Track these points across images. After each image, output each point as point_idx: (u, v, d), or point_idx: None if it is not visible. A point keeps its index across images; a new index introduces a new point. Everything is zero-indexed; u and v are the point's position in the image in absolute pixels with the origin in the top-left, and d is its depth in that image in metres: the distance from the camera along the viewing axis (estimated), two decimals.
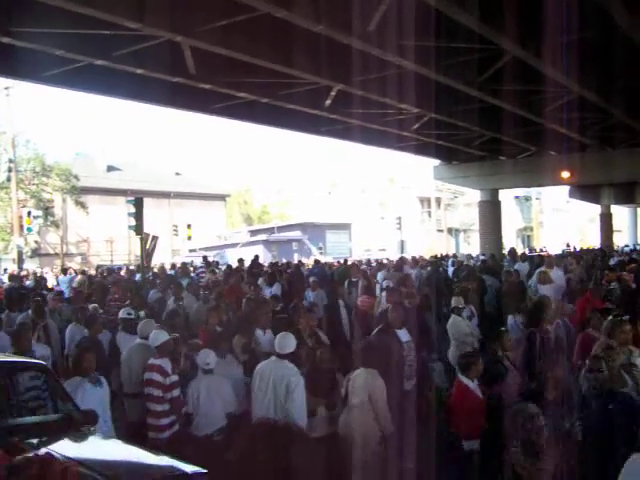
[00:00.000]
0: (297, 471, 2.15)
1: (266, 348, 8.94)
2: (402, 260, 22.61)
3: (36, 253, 47.27)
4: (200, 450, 7.60)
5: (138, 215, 19.56)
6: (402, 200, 66.05)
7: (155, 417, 7.66)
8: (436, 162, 37.85)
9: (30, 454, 2.64)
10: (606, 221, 50.92)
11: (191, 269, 23.19)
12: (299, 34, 14.56)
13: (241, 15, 13.57)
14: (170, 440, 7.52)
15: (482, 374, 7.17)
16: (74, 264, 40.72)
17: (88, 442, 6.37)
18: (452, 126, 25.60)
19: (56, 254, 47.48)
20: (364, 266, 22.72)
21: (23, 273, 26.88)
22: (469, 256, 29.00)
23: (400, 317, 8.96)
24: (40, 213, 43.10)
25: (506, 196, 51.62)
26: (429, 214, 71.04)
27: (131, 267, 30.28)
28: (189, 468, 5.58)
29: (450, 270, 22.11)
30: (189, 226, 44.66)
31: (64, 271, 25.39)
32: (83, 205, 48.56)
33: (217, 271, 21.56)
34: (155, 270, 24.22)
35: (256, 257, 22.76)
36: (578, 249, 38.64)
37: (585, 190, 47.53)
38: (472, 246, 60.30)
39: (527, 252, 33.93)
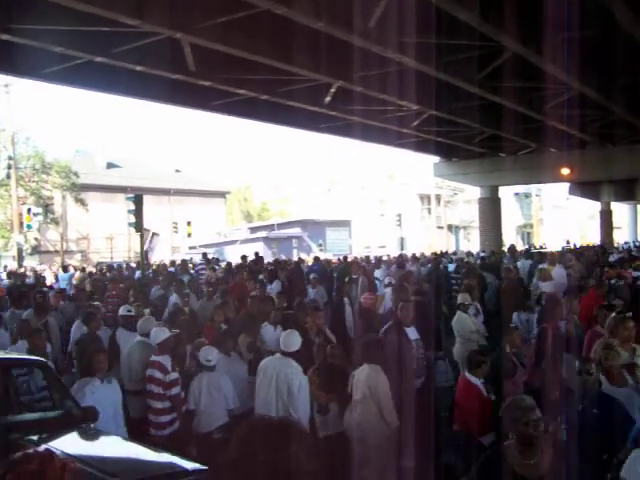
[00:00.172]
0: (296, 469, 2.13)
1: (273, 346, 8.90)
2: (402, 257, 22.62)
3: (36, 250, 47.24)
4: (201, 447, 7.61)
5: (138, 212, 19.56)
6: (402, 197, 65.98)
7: (156, 414, 7.68)
8: (436, 159, 37.83)
9: (29, 450, 2.63)
10: (606, 218, 50.93)
11: (190, 266, 23.17)
12: (299, 31, 14.52)
13: (241, 12, 13.54)
14: (171, 437, 7.53)
15: (489, 372, 7.17)
16: (74, 261, 40.67)
17: (88, 439, 6.38)
18: (452, 123, 25.57)
19: (56, 251, 47.45)
20: (363, 263, 22.69)
21: (21, 270, 26.88)
22: (469, 253, 28.98)
23: (410, 315, 8.95)
24: (40, 210, 43.07)
25: (506, 193, 51.59)
26: (429, 211, 70.99)
27: (132, 264, 30.25)
28: (190, 465, 5.58)
29: (450, 267, 22.10)
30: (189, 223, 44.59)
31: (64, 268, 25.38)
32: (83, 202, 48.54)
33: (217, 268, 21.56)
34: (154, 267, 24.24)
35: (257, 254, 22.76)
36: (578, 246, 38.62)
37: (585, 187, 47.51)
38: (472, 243, 60.31)
39: (529, 249, 33.92)
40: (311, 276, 17.50)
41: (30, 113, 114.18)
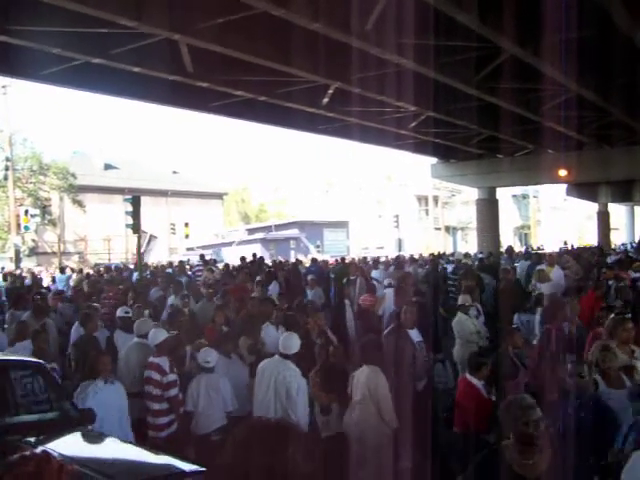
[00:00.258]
0: (293, 471, 2.12)
1: (274, 346, 8.87)
2: (399, 258, 22.60)
3: (33, 252, 47.21)
4: (199, 449, 7.59)
5: (135, 213, 19.54)
6: (399, 198, 66.05)
7: (153, 416, 7.67)
8: (433, 160, 37.84)
9: (26, 452, 2.62)
10: (603, 219, 50.98)
11: (187, 267, 23.15)
12: (297, 32, 14.50)
13: (238, 13, 13.53)
14: (169, 439, 7.52)
15: (491, 373, 7.17)
16: (71, 262, 40.72)
17: (85, 440, 6.36)
18: (450, 124, 25.57)
19: (53, 253, 47.45)
20: (361, 264, 22.67)
21: (18, 272, 26.85)
22: (466, 254, 28.97)
23: (413, 317, 8.94)
24: (37, 212, 43.05)
25: (504, 194, 51.66)
26: (426, 212, 71.03)
27: (130, 266, 30.23)
28: (187, 466, 5.57)
29: (449, 269, 22.09)
30: (187, 224, 44.62)
31: (61, 270, 25.35)
32: (80, 203, 48.56)
33: (214, 269, 21.53)
34: (152, 269, 24.20)
35: (254, 255, 22.74)
36: (575, 247, 38.64)
37: (582, 188, 47.53)
38: (470, 244, 60.30)
39: (526, 250, 33.92)
40: (309, 277, 17.49)
41: (28, 114, 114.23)
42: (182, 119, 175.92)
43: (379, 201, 68.44)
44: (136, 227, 19.70)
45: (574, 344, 8.75)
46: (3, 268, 30.75)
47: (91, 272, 26.00)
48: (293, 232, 57.71)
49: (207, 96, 20.03)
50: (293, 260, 29.00)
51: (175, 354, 8.35)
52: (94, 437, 6.44)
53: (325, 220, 62.62)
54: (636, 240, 51.41)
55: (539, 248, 39.10)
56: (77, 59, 15.97)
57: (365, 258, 29.43)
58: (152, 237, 21.25)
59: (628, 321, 7.80)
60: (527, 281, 16.39)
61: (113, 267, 28.24)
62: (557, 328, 8.95)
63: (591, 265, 19.56)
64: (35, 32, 14.02)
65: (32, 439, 5.78)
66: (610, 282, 13.71)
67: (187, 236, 45.53)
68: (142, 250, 21.78)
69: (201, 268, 22.17)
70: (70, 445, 6.03)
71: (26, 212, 36.69)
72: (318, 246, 56.07)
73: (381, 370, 7.12)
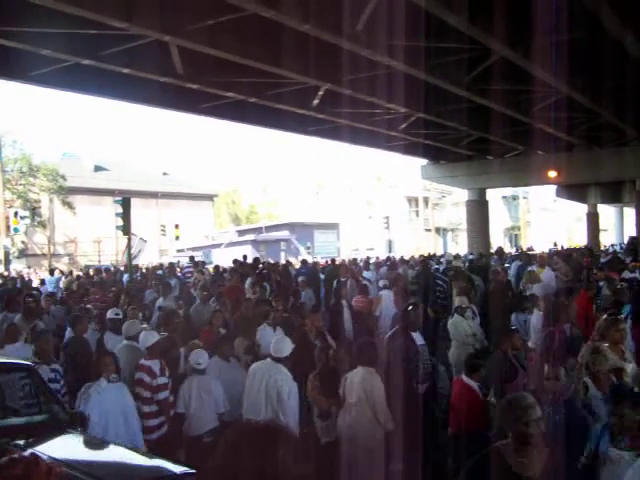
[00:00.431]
0: (284, 474, 2.11)
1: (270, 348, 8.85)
2: (389, 259, 22.60)
3: (23, 254, 47.02)
4: (191, 451, 7.58)
5: (126, 215, 19.50)
6: (390, 199, 66.07)
7: (144, 418, 7.63)
8: (424, 162, 37.93)
9: (15, 455, 2.60)
10: (593, 220, 51.19)
11: (177, 269, 23.09)
12: (287, 34, 14.51)
13: (228, 15, 13.52)
14: (159, 441, 7.50)
15: (489, 374, 7.17)
16: (61, 264, 40.54)
17: (75, 443, 6.33)
18: (440, 126, 25.64)
19: (43, 254, 47.24)
20: (352, 266, 22.66)
21: (6, 274, 26.74)
22: (456, 256, 29.01)
23: (419, 319, 8.90)
24: (27, 213, 42.97)
25: (494, 195, 51.80)
26: (417, 213, 71.04)
27: (120, 267, 30.15)
28: (177, 468, 5.55)
29: (440, 269, 22.09)
30: (177, 226, 44.55)
31: (51, 272, 25.25)
32: (70, 205, 48.39)
33: (204, 271, 21.47)
34: (143, 270, 24.14)
35: (245, 257, 22.69)
36: (565, 248, 38.74)
37: (572, 189, 47.74)
38: (460, 245, 60.45)
39: (516, 251, 33.99)
40: (299, 279, 17.47)
41: (17, 116, 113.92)
42: (172, 120, 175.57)
43: (369, 202, 68.45)
44: (126, 229, 19.66)
45: (575, 346, 8.77)
46: None
47: (80, 274, 25.93)
48: (283, 234, 57.69)
49: (197, 98, 20.00)
50: (283, 262, 28.95)
51: (168, 356, 8.32)
52: (84, 440, 6.40)
53: (315, 222, 62.61)
54: (625, 241, 51.68)
55: (529, 249, 39.15)
56: (67, 60, 15.93)
57: (355, 259, 29.44)
58: (142, 240, 21.14)
59: (620, 322, 7.80)
60: (517, 282, 16.42)
61: (103, 269, 28.16)
62: (560, 330, 8.95)
63: (581, 266, 19.59)
64: (25, 33, 13.97)
65: (21, 442, 5.76)
66: (601, 283, 13.73)
67: (177, 238, 45.45)
68: (132, 252, 21.68)
69: (191, 270, 22.12)
70: (59, 448, 6.01)
71: (16, 214, 36.58)
72: (308, 247, 56.08)
73: (376, 372, 7.11)
